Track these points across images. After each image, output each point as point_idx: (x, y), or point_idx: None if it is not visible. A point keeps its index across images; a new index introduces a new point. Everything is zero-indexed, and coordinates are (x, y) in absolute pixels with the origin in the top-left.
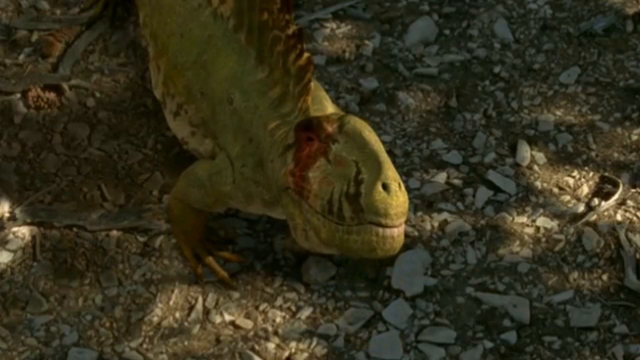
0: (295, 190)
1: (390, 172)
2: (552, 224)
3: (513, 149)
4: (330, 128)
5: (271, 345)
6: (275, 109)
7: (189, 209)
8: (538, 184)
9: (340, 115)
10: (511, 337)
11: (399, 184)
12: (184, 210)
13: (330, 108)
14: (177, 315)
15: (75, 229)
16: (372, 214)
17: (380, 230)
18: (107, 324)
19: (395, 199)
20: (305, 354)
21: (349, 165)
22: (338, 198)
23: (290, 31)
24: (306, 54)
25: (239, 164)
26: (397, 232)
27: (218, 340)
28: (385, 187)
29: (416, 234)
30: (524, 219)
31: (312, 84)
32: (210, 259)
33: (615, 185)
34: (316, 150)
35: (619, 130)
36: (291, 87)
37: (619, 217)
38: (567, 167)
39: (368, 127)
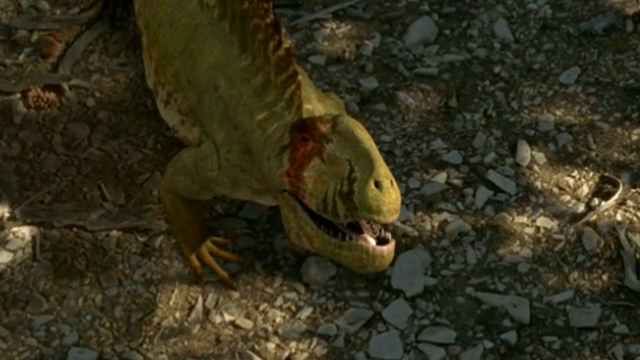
0: (291, 190)
1: (382, 170)
2: (552, 224)
3: (513, 149)
4: (323, 128)
5: (271, 345)
6: (259, 97)
7: (179, 201)
8: (538, 184)
9: (334, 115)
10: (511, 337)
11: (391, 181)
12: (175, 202)
13: (313, 94)
14: (177, 315)
15: (75, 229)
16: (365, 211)
17: (371, 248)
18: (107, 324)
19: (388, 196)
20: (305, 354)
21: (342, 164)
22: (332, 197)
23: (268, 20)
24: (285, 45)
25: (224, 150)
26: (386, 251)
27: (218, 340)
28: (377, 184)
29: (416, 234)
30: (524, 219)
31: (299, 76)
32: (210, 259)
33: (615, 185)
34: (311, 150)
35: (619, 130)
36: (272, 76)
37: (619, 217)
38: (567, 167)
39: (360, 125)
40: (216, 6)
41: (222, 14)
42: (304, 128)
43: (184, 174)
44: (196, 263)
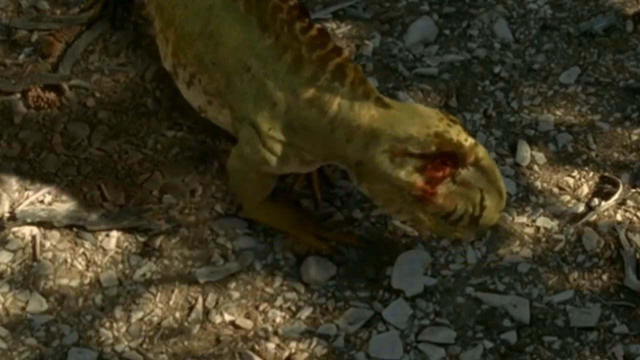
0: (417, 196)
1: (505, 202)
2: (552, 224)
3: (513, 149)
4: (469, 159)
5: (271, 345)
6: (296, 74)
7: (268, 205)
8: (538, 184)
9: (472, 145)
10: (511, 337)
11: None
12: (265, 209)
13: None
14: (177, 315)
15: (75, 229)
16: (483, 227)
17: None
18: (107, 324)
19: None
20: (305, 354)
21: (474, 190)
22: (460, 214)
23: (292, 2)
24: (316, 26)
25: (266, 128)
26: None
27: (218, 340)
28: (499, 211)
29: (416, 234)
30: (524, 219)
31: (343, 50)
32: (335, 234)
33: (615, 185)
34: (449, 173)
35: (619, 130)
36: (304, 52)
37: (619, 217)
38: (567, 167)
39: (495, 164)
40: None
41: None
42: (453, 158)
43: (241, 179)
44: (323, 244)
